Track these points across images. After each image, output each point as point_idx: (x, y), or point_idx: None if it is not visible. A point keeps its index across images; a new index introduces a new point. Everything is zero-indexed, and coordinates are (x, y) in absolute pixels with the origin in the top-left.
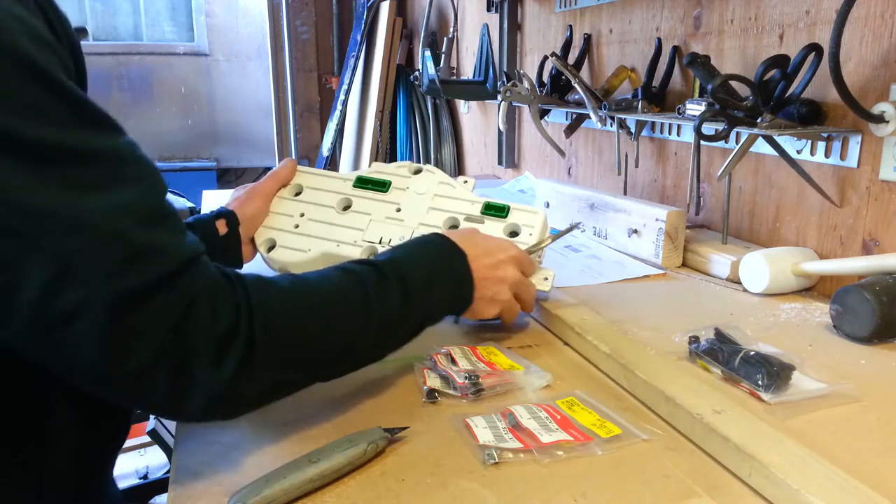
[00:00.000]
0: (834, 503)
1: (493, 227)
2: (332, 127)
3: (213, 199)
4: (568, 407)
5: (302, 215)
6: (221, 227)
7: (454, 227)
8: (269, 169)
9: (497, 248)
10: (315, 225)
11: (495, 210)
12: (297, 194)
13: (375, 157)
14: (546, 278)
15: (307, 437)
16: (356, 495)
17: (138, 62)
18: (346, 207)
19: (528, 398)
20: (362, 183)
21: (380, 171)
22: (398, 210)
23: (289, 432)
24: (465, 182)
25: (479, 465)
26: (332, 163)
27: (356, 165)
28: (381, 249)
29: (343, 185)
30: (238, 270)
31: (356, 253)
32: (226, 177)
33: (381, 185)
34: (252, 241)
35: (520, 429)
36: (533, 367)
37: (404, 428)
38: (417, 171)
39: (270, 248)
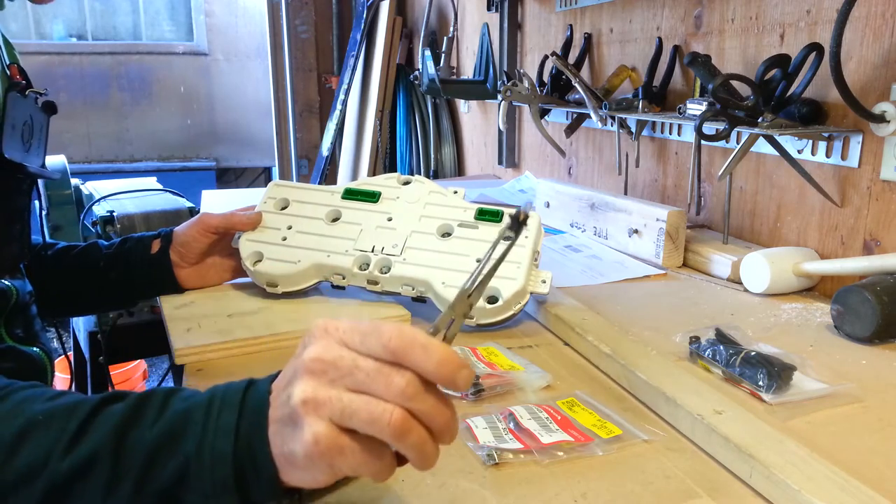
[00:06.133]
0: None
1: (488, 232)
2: (331, 126)
3: (213, 199)
4: (568, 407)
5: (290, 228)
6: (156, 245)
7: (447, 234)
8: (268, 169)
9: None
10: (304, 237)
11: (490, 215)
12: (284, 208)
13: (375, 156)
14: (544, 281)
15: None
16: (356, 496)
17: (137, 62)
18: (336, 219)
19: (529, 398)
20: (351, 194)
21: (368, 183)
22: (389, 219)
23: None
24: (455, 193)
25: (480, 466)
26: (331, 162)
27: (356, 165)
28: (373, 258)
29: (331, 197)
30: None
31: (348, 262)
32: (225, 177)
33: (371, 196)
34: (199, 262)
35: (520, 429)
36: (533, 367)
37: None
38: (407, 183)
39: (257, 262)
